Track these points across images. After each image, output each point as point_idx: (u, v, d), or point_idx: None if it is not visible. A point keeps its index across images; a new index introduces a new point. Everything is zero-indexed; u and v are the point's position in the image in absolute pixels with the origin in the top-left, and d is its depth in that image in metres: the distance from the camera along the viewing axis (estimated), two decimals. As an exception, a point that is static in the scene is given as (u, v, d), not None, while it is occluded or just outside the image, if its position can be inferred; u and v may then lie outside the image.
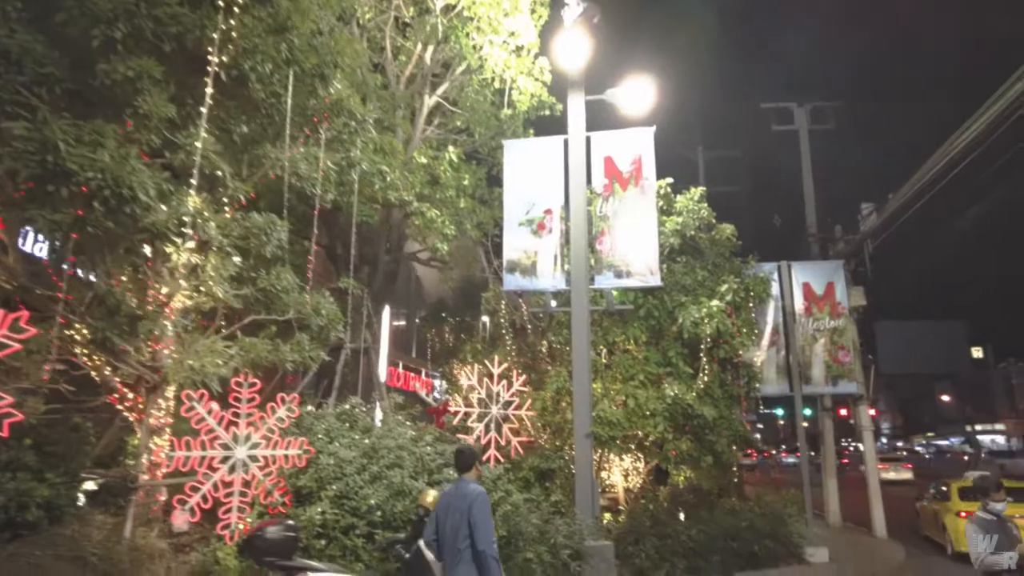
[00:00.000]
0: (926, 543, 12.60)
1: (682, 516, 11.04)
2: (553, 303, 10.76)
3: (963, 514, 11.36)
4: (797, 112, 18.81)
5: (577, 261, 10.34)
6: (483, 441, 9.63)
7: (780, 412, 59.35)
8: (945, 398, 71.88)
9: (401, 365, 20.40)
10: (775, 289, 13.03)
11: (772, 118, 19.27)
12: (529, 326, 11.82)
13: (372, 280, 13.21)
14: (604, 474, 12.05)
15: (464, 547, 4.61)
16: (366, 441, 8.02)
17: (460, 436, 9.54)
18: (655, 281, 10.12)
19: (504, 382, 10.11)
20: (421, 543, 6.61)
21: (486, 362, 10.08)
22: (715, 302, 10.29)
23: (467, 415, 9.75)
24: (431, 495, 6.76)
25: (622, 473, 11.54)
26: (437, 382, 19.25)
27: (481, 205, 12.24)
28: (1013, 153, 10.97)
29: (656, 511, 10.26)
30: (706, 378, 10.22)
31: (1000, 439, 66.94)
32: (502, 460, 9.75)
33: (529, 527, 8.44)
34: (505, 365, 10.16)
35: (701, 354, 10.41)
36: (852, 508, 15.61)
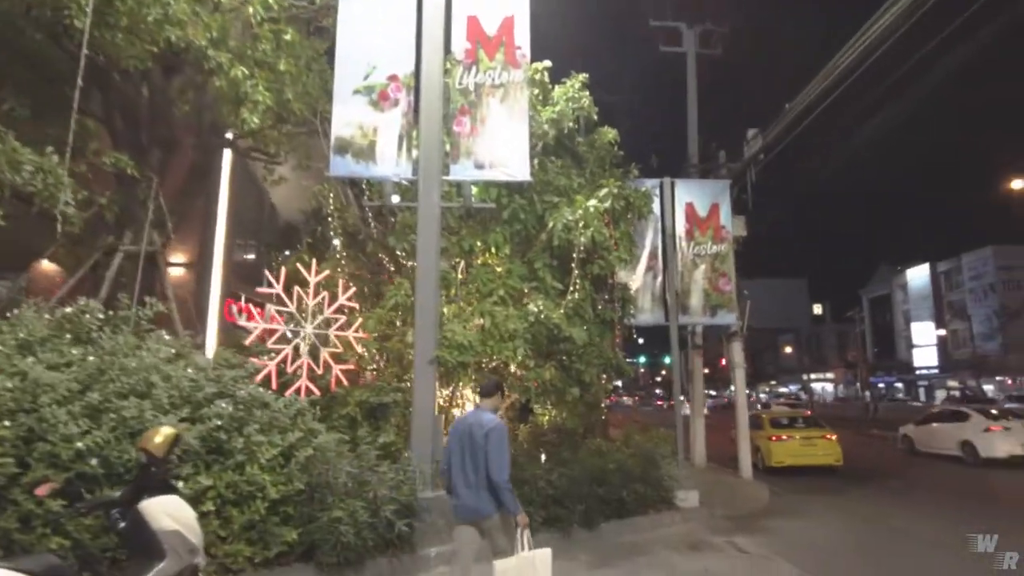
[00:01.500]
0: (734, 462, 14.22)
1: (543, 459, 9.46)
2: (396, 198, 8.47)
3: (773, 438, 14.57)
4: (686, 34, 17.43)
5: (428, 144, 8.08)
6: (290, 369, 7.31)
7: (642, 359, 61.48)
8: (787, 350, 78.43)
9: (244, 298, 17.33)
10: (656, 208, 11.59)
11: (660, 38, 17.78)
12: (367, 229, 9.45)
13: (166, 167, 10.17)
14: (457, 412, 10.17)
15: (479, 478, 4.56)
16: (90, 359, 5.44)
17: (254, 359, 7.14)
18: (524, 175, 8.12)
19: (325, 296, 7.78)
20: (145, 504, 4.32)
21: (300, 268, 7.67)
22: (593, 202, 8.49)
23: (267, 335, 7.35)
24: (162, 434, 4.45)
25: (473, 406, 9.67)
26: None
27: (315, 76, 9.52)
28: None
29: (513, 452, 8.53)
30: (577, 296, 8.50)
31: (829, 386, 74.68)
32: (318, 393, 7.51)
33: (341, 477, 6.35)
34: (325, 274, 7.81)
35: (573, 267, 8.64)
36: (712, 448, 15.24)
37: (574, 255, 8.65)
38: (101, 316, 6.09)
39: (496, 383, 5.08)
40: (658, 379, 78.59)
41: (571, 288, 8.57)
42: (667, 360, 73.63)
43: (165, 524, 4.25)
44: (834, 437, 14.53)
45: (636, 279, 11.34)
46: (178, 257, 18.93)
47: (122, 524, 4.28)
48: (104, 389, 5.24)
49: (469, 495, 4.61)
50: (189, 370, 6.03)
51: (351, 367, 8.12)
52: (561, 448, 9.42)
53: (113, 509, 4.34)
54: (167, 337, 6.58)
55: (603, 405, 12.14)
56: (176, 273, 18.84)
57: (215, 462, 5.69)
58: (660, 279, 11.82)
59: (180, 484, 5.16)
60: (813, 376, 72.48)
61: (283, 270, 7.77)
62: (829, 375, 74.63)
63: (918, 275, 60.24)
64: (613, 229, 9.05)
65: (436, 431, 7.68)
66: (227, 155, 13.62)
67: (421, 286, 7.81)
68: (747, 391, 14.61)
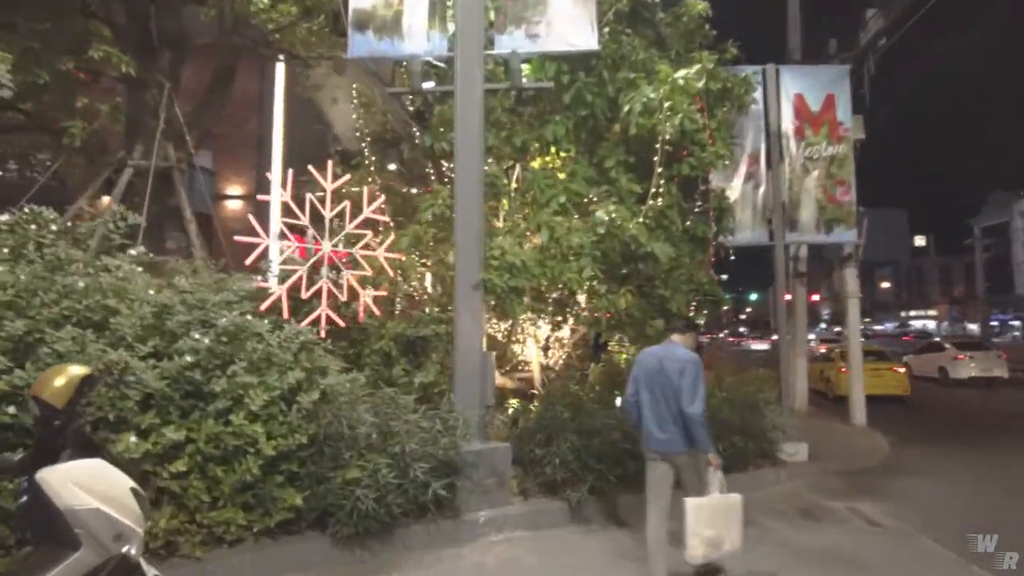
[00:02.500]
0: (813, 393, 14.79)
1: (619, 404, 7.91)
2: (429, 84, 6.80)
3: (843, 369, 14.37)
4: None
5: (467, 9, 6.30)
6: (305, 294, 5.96)
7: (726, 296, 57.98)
8: (884, 285, 72.48)
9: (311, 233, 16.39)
10: (757, 100, 9.36)
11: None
12: (405, 129, 7.82)
13: (180, 71, 8.87)
14: (517, 348, 8.70)
15: (671, 412, 4.41)
16: (22, 277, 4.18)
17: (258, 283, 5.81)
18: (589, 43, 6.26)
19: (347, 207, 6.32)
20: (45, 474, 3.08)
21: (315, 173, 6.21)
22: (681, 73, 6.50)
23: (266, 252, 5.99)
24: (65, 375, 3.13)
25: (538, 345, 8.19)
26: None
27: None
28: None
29: (581, 396, 7.02)
30: (660, 203, 6.68)
31: (931, 324, 68.79)
32: (342, 324, 6.17)
33: (362, 428, 5.01)
34: (345, 179, 6.33)
35: (655, 165, 6.76)
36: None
37: (657, 148, 6.75)
38: (56, 228, 4.84)
39: (689, 323, 5.09)
40: (741, 317, 74.47)
41: (653, 192, 6.73)
42: (753, 297, 69.27)
43: (75, 500, 2.95)
44: (902, 370, 16.14)
45: (733, 189, 9.27)
46: (235, 189, 18.15)
47: (23, 499, 3.05)
48: (37, 316, 4.00)
49: (660, 430, 4.47)
50: (166, 293, 4.75)
51: (383, 293, 6.71)
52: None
53: (20, 478, 3.12)
54: (152, 258, 5.32)
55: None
56: (233, 206, 18.09)
57: (193, 408, 4.44)
58: (763, 189, 9.69)
59: (133, 439, 3.91)
60: (912, 313, 67.09)
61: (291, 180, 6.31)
62: (931, 312, 68.75)
63: (1044, 199, 53.43)
64: (707, 117, 7.05)
65: (485, 371, 6.23)
66: (280, 71, 12.32)
67: (461, 191, 6.21)
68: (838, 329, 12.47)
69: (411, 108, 7.86)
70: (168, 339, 4.55)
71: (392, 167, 8.00)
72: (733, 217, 8.25)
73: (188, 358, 4.31)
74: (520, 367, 8.86)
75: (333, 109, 13.54)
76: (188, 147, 8.92)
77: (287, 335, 4.99)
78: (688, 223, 7.61)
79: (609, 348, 8.46)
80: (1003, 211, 59.18)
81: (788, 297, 11.34)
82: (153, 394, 4.21)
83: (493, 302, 6.49)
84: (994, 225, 60.67)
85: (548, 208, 6.44)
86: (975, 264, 57.26)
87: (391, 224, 7.05)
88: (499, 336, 8.77)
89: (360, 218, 6.43)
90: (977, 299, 51.00)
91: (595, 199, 6.59)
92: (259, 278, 5.85)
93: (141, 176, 8.18)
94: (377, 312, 6.51)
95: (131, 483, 3.22)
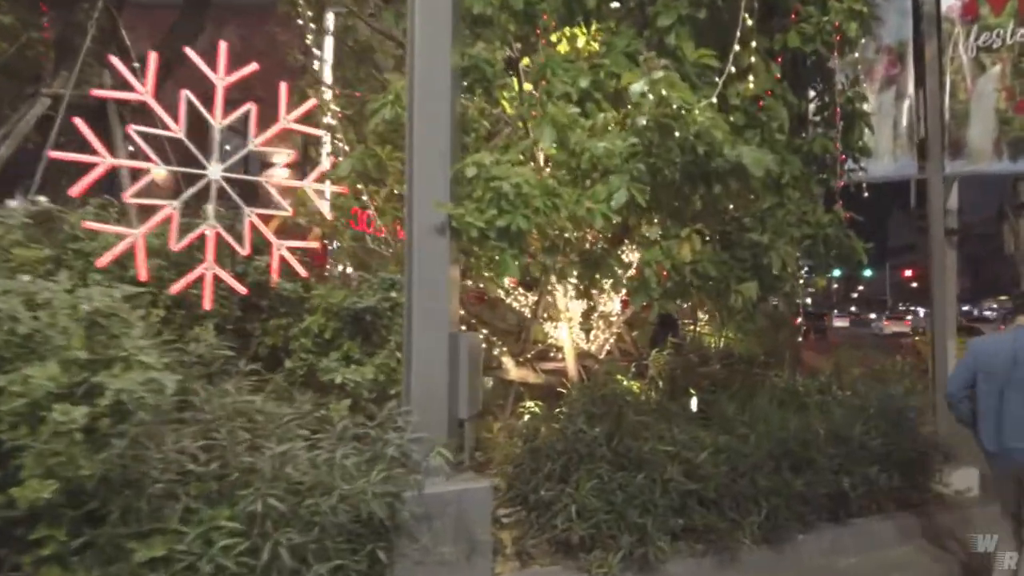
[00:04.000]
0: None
1: (694, 406, 5.40)
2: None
3: None
4: None
5: None
6: (176, 244, 3.83)
7: (836, 273, 51.58)
8: (1027, 258, 63.24)
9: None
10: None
11: None
12: (358, 8, 5.41)
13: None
14: (551, 328, 6.28)
15: None
16: None
17: (90, 224, 3.73)
18: None
19: (251, 111, 4.14)
20: None
21: (193, 56, 4.04)
22: None
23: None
24: None
25: (570, 324, 5.77)
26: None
27: None
28: None
29: (628, 401, 4.54)
30: (752, 84, 4.00)
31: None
32: (242, 290, 4.02)
33: (194, 462, 2.83)
34: (250, 69, 4.12)
35: (743, 24, 4.05)
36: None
37: (743, 8, 4.07)
38: None
39: None
40: (853, 295, 66.86)
41: (734, 67, 4.01)
42: (867, 273, 61.16)
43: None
44: None
45: (868, 103, 6.33)
46: (281, 157, 16.56)
47: None
48: None
49: (1015, 438, 3.61)
50: None
51: (313, 245, 4.51)
52: (718, 393, 5.24)
53: None
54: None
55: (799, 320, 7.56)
56: (280, 175, 16.51)
57: None
58: (909, 100, 6.68)
59: None
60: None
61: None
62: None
63: None
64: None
65: (459, 362, 3.90)
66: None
67: (421, 80, 3.89)
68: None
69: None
70: None
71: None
72: (870, 127, 5.34)
73: None
74: (552, 354, 6.47)
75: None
76: (141, 75, 7.06)
77: (73, 302, 2.87)
78: (802, 136, 4.87)
79: (677, 326, 5.87)
80: None
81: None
82: None
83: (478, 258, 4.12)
84: None
85: (565, 103, 3.95)
86: None
87: (339, 142, 4.81)
88: (526, 312, 6.42)
89: (274, 129, 4.24)
90: None
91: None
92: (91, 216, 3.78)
93: (79, 110, 6.39)
94: (302, 273, 4.31)
95: None
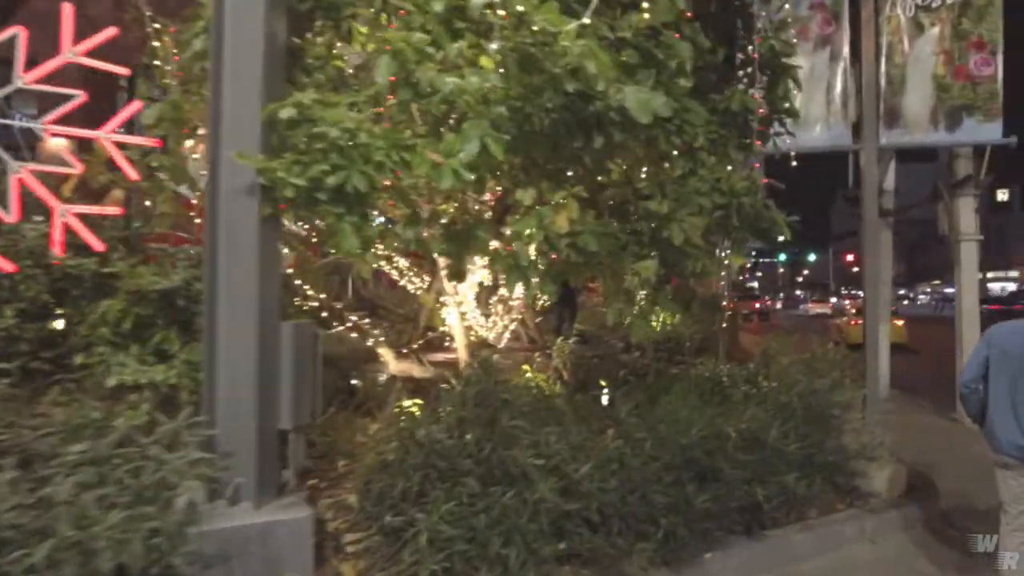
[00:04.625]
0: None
1: (604, 402, 4.75)
2: None
3: (851, 322, 17.58)
4: None
5: None
6: None
7: (782, 258, 52.47)
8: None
9: None
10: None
11: None
12: None
13: None
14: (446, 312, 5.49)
15: None
16: None
17: None
18: None
19: (17, 36, 3.19)
20: None
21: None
22: None
23: None
24: None
25: (459, 309, 5.00)
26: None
27: None
28: None
29: (505, 399, 3.79)
30: (646, 16, 3.26)
31: (1012, 286, 62.08)
32: (8, 267, 3.09)
33: None
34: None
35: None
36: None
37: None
38: None
39: None
40: (798, 279, 68.26)
41: None
42: (812, 258, 62.70)
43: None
44: (900, 322, 17.25)
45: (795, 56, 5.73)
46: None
47: None
48: None
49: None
50: None
51: (112, 210, 3.60)
52: (631, 385, 4.57)
53: None
54: None
55: (725, 304, 6.97)
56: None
57: None
58: (845, 62, 6.09)
59: None
60: (991, 275, 60.86)
61: None
62: (1012, 273, 62.05)
63: None
64: None
65: (280, 359, 3.08)
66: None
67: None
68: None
69: None
70: None
71: None
72: (797, 83, 4.69)
73: None
74: (447, 343, 5.71)
75: None
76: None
77: None
78: (714, 87, 4.16)
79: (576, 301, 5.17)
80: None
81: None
82: None
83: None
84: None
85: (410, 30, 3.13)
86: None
87: (158, 86, 3.88)
88: (419, 295, 5.63)
89: (54, 64, 3.30)
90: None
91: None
92: None
93: None
94: (98, 246, 3.40)
95: None
